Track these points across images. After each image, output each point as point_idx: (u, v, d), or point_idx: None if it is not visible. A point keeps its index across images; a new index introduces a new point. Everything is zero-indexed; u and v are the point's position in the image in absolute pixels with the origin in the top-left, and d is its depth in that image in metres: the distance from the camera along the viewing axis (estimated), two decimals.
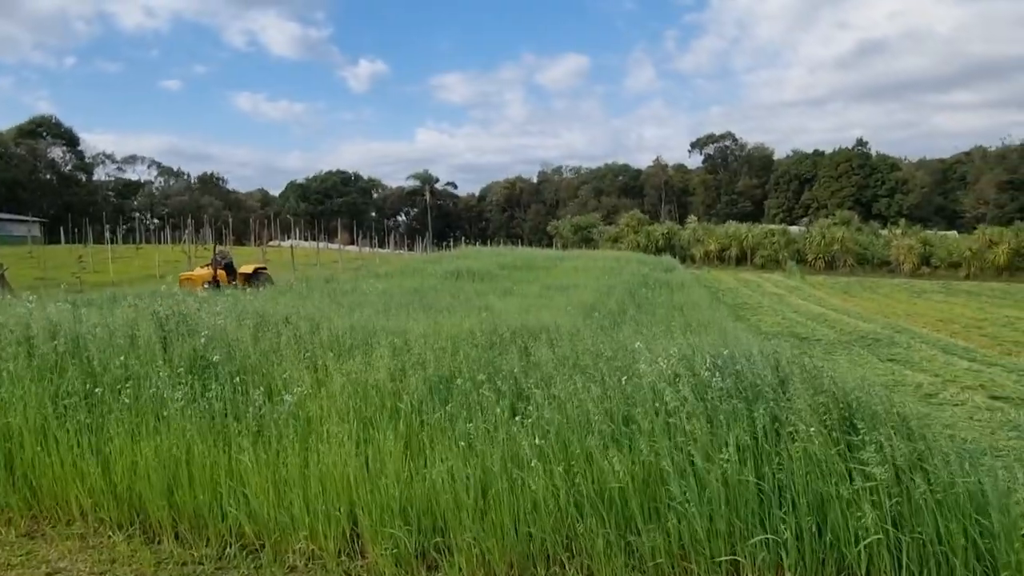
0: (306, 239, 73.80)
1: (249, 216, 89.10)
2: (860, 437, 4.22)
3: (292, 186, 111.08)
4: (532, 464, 4.62)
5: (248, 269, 23.37)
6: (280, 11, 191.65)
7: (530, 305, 16.23)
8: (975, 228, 57.03)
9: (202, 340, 7.23)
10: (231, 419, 5.70)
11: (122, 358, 6.68)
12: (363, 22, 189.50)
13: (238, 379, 6.27)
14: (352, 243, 67.44)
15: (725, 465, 4.22)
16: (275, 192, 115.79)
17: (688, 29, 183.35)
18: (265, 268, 24.73)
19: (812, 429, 4.25)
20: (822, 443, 4.22)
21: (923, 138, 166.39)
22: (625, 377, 5.41)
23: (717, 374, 5.25)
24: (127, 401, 5.95)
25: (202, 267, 23.66)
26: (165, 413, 5.67)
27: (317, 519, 4.82)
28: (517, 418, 5.24)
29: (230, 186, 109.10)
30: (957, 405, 10.57)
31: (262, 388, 6.07)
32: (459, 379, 6.27)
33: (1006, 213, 69.27)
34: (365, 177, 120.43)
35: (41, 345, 7.29)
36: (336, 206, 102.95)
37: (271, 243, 69.99)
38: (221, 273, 22.39)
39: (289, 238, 73.03)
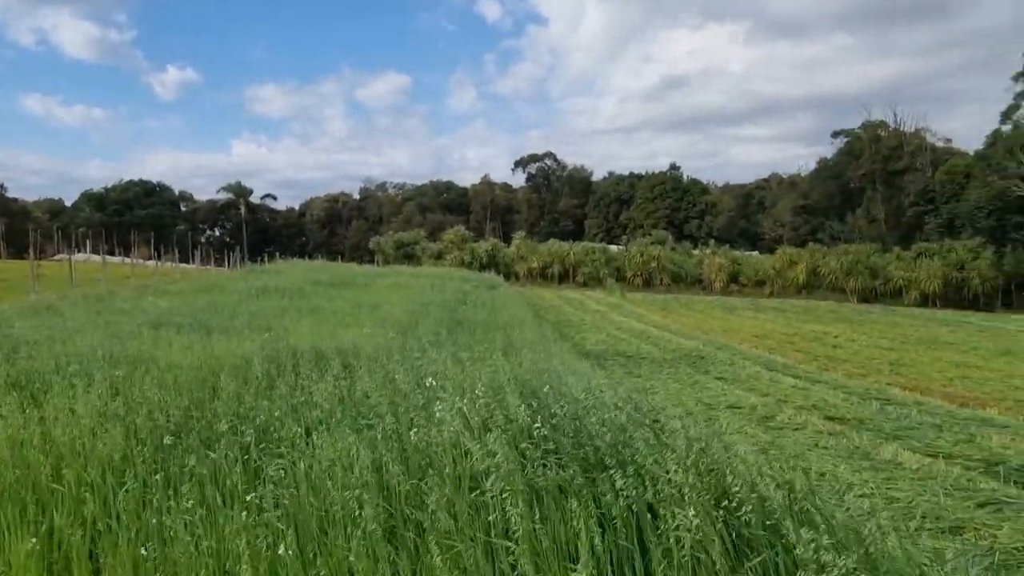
0: (100, 253, 66.71)
1: (34, 228, 79.73)
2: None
3: (87, 196, 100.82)
4: None
5: None
6: (74, 9, 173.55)
7: (336, 324, 14.38)
8: (775, 249, 60.67)
9: None
10: None
11: None
12: (169, 26, 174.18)
13: None
14: (153, 257, 61.57)
15: None
16: (71, 202, 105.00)
17: (507, 54, 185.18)
18: None
19: (697, 520, 2.68)
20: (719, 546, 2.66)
21: (721, 167, 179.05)
22: (415, 430, 3.70)
23: (539, 420, 3.66)
24: None
25: None
26: None
27: None
28: (251, 497, 3.39)
29: (12, 194, 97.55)
30: (797, 429, 9.75)
31: None
32: (190, 432, 4.36)
33: (800, 235, 74.34)
34: (176, 189, 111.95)
35: None
36: (138, 218, 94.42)
37: (56, 257, 62.64)
38: None
39: (80, 251, 65.68)
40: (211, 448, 4.09)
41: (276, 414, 4.81)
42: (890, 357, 19.28)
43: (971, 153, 64.43)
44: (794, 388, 13.30)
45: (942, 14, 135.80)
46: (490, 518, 2.88)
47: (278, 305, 18.94)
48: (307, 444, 4.21)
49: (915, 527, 5.21)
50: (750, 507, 2.78)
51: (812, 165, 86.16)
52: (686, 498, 2.73)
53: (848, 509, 3.37)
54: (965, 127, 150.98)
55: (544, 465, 3.28)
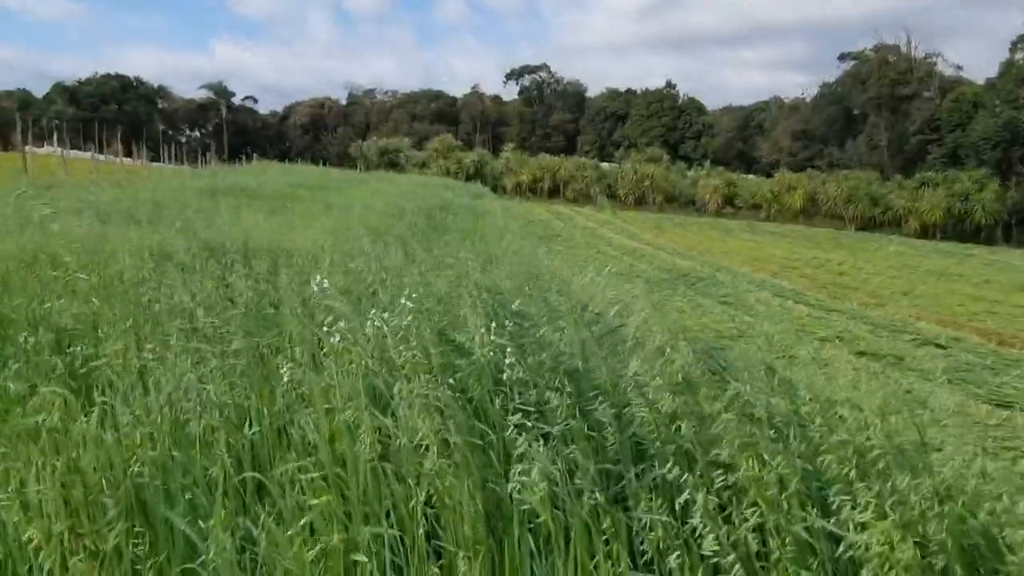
0: (64, 147, 63.70)
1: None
2: None
3: (58, 88, 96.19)
4: None
5: None
6: None
7: (298, 225, 12.69)
8: (771, 173, 58.76)
9: None
10: None
11: None
12: None
13: None
14: (129, 155, 58.86)
15: None
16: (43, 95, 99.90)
17: None
18: None
19: None
20: None
21: (713, 90, 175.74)
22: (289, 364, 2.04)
23: (510, 348, 2.03)
24: None
25: None
26: None
27: None
28: None
29: None
30: (827, 366, 8.23)
31: None
32: None
33: (798, 161, 71.91)
34: (155, 85, 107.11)
35: None
36: (112, 113, 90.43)
37: (28, 149, 59.74)
38: None
39: (53, 145, 62.75)
40: None
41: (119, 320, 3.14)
42: (902, 287, 17.80)
43: (980, 83, 61.98)
44: (809, 317, 11.79)
45: None
46: None
47: (234, 203, 17.18)
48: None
49: None
50: None
51: (813, 91, 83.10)
52: None
53: None
54: (966, 62, 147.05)
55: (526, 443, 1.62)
